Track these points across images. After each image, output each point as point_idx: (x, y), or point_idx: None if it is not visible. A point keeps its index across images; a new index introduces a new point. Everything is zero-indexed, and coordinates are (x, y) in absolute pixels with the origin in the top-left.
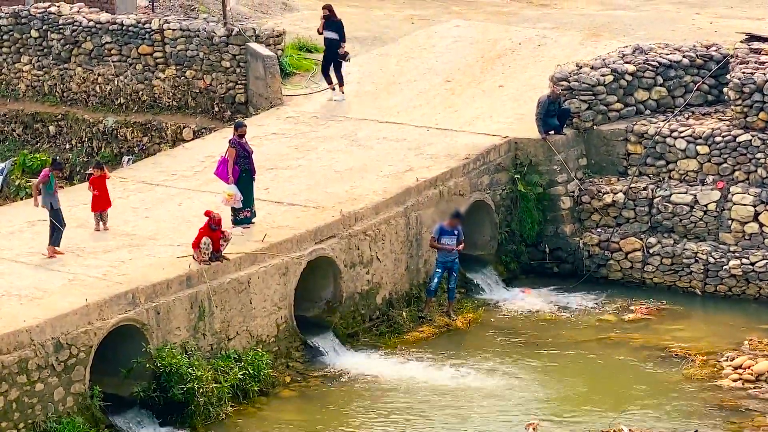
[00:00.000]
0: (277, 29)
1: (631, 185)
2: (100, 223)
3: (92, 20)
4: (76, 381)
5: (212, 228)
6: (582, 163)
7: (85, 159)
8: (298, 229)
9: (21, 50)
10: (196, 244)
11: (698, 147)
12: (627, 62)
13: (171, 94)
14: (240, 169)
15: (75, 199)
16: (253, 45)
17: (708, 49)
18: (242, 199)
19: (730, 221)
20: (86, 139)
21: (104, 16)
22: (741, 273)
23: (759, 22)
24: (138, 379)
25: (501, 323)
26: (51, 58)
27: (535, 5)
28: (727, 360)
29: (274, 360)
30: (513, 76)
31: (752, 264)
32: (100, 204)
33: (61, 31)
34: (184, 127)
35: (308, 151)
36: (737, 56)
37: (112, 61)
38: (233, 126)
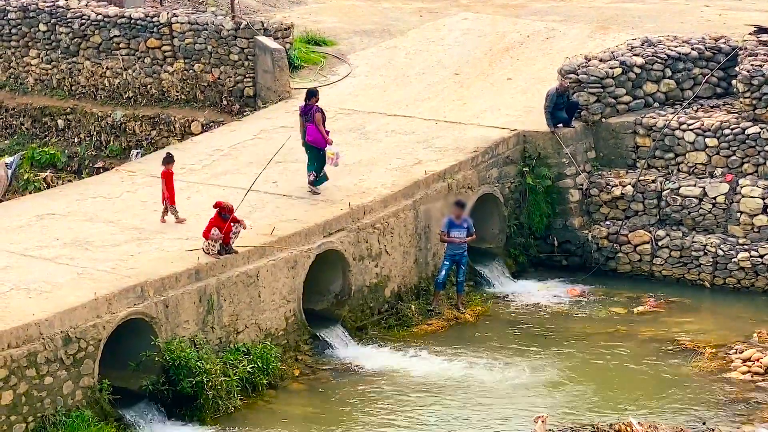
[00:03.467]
0: (285, 22)
1: (640, 178)
2: (168, 215)
3: (100, 14)
4: (85, 374)
5: (223, 217)
6: (590, 156)
7: (93, 153)
8: (307, 222)
9: (29, 44)
10: (207, 233)
11: (707, 139)
12: (636, 55)
13: (179, 87)
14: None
15: (84, 193)
16: (262, 38)
17: (717, 41)
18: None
19: (738, 214)
20: (95, 133)
21: (112, 10)
22: (750, 265)
23: None
24: (147, 372)
25: (510, 316)
26: (59, 51)
27: None
28: (735, 353)
29: (282, 353)
30: (521, 68)
31: (761, 256)
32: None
33: (69, 24)
34: (192, 121)
35: None
36: (746, 48)
37: (121, 55)
38: (308, 94)
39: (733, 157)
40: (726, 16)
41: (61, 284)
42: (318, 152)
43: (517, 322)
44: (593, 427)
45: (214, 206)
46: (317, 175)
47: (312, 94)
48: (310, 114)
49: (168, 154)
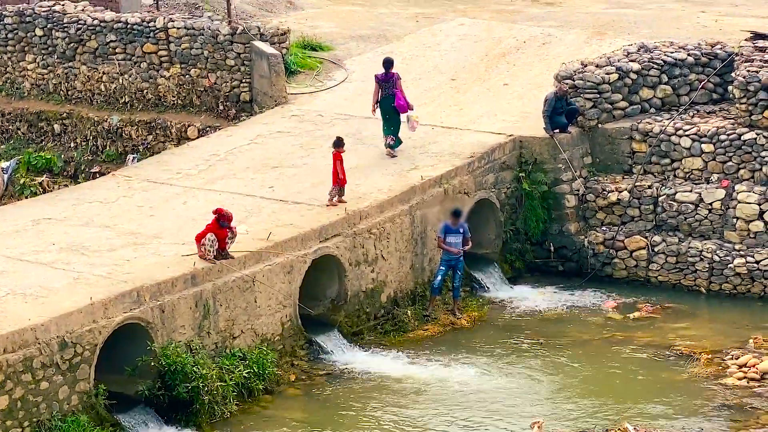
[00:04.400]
0: (281, 27)
1: (636, 184)
2: (334, 198)
3: (97, 18)
4: (81, 379)
5: (221, 225)
6: (587, 162)
7: (89, 158)
8: (303, 227)
9: (26, 49)
10: (199, 238)
11: (703, 145)
12: (632, 60)
13: (176, 92)
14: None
15: (80, 198)
16: (258, 43)
17: (713, 47)
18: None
19: (735, 219)
20: (91, 138)
21: (109, 15)
22: (746, 271)
23: (764, 21)
24: (143, 377)
25: (506, 322)
26: (56, 56)
27: (540, 3)
28: (731, 358)
29: (278, 358)
30: (518, 74)
31: (757, 262)
32: (336, 179)
33: (65, 29)
34: (188, 126)
35: (313, 150)
36: (742, 54)
37: (117, 60)
38: (388, 63)
39: (729, 163)
40: (722, 22)
41: (57, 289)
42: (400, 116)
43: (513, 327)
44: None
45: (214, 212)
46: (395, 138)
47: (391, 63)
48: (393, 81)
49: (338, 137)
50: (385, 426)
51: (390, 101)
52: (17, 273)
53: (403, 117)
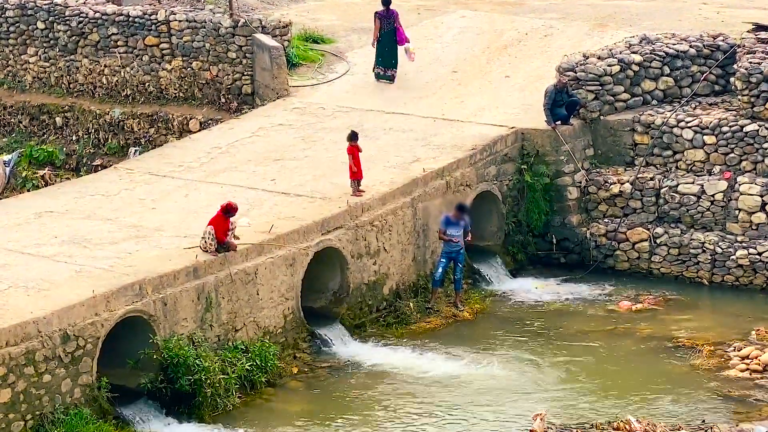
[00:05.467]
0: (283, 20)
1: (638, 175)
2: (355, 190)
3: (98, 11)
4: (84, 372)
5: (227, 215)
6: (589, 154)
7: (91, 150)
8: (305, 220)
9: (27, 42)
10: (221, 234)
11: (705, 137)
12: (634, 52)
13: (177, 85)
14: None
15: (82, 191)
16: (260, 36)
17: (715, 39)
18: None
19: (737, 211)
20: (93, 131)
21: (110, 8)
22: (748, 263)
23: (766, 12)
24: (145, 370)
25: (508, 314)
26: (57, 49)
27: None
28: (734, 350)
29: (281, 351)
30: (519, 66)
31: (759, 254)
32: (352, 173)
33: (67, 22)
34: (190, 119)
35: (315, 142)
36: (744, 46)
37: (119, 53)
38: (386, 3)
39: (732, 155)
40: (724, 14)
41: (59, 282)
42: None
43: (515, 319)
44: (592, 425)
45: (222, 207)
46: (387, 72)
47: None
48: (394, 17)
49: (352, 131)
50: (387, 418)
51: (392, 35)
52: (19, 266)
53: (400, 48)
